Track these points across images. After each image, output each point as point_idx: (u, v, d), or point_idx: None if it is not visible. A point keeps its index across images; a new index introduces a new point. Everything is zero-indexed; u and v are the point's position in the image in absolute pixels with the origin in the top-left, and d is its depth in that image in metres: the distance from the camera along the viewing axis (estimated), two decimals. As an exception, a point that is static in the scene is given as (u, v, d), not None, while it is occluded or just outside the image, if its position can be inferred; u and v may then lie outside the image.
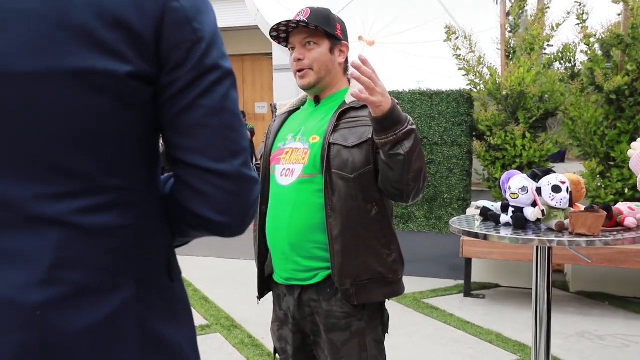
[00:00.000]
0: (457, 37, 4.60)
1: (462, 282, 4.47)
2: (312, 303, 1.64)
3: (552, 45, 4.62)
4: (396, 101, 1.52)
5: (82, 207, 0.75)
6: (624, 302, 4.14)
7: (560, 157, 7.17)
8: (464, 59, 4.58)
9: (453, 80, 4.93)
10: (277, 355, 1.81)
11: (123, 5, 0.74)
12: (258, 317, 3.85)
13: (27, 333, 0.71)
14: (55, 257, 0.73)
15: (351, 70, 1.45)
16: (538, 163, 4.45)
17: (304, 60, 1.63)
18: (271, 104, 1.87)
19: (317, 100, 1.72)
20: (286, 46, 1.69)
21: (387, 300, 1.70)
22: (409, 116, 1.52)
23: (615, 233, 1.78)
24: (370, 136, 1.56)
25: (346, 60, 1.71)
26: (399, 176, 1.51)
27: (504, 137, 4.41)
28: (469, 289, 4.35)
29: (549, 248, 1.94)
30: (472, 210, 4.56)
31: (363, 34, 7.31)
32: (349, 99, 1.63)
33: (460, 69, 4.62)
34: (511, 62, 4.49)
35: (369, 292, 1.61)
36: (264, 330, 3.63)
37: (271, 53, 10.69)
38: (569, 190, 1.82)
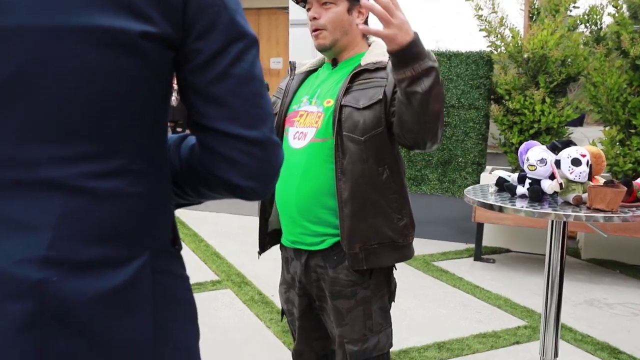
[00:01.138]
0: (480, -4, 4.45)
1: (472, 245, 4.48)
2: (318, 269, 1.65)
3: (578, 7, 4.46)
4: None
5: (93, 171, 0.73)
6: (635, 271, 4.13)
7: (579, 121, 7.03)
8: (485, 19, 4.44)
9: (473, 39, 4.80)
10: (284, 316, 1.84)
11: None
12: (268, 273, 3.89)
13: (31, 301, 0.70)
14: (59, 227, 0.71)
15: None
16: (557, 129, 4.37)
17: (319, 20, 1.58)
18: (290, 62, 1.84)
19: (334, 62, 1.68)
20: (304, 6, 1.64)
21: (395, 268, 1.70)
22: (431, 52, 1.42)
23: (634, 209, 1.75)
24: (381, 97, 1.52)
25: (366, 22, 1.65)
26: (415, 116, 1.43)
27: (522, 102, 4.31)
28: (480, 253, 4.36)
29: (565, 222, 1.92)
30: (487, 175, 4.52)
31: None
32: (364, 61, 1.59)
33: (481, 29, 4.49)
34: (534, 24, 4.35)
35: (379, 257, 1.59)
36: (273, 288, 3.67)
37: (287, 7, 10.46)
38: (589, 163, 1.78)
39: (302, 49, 10.77)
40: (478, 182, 4.67)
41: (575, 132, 4.73)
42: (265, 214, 1.75)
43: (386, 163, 1.57)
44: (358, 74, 1.57)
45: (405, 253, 1.64)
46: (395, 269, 1.71)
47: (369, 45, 1.67)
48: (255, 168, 0.82)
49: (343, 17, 1.59)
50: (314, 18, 1.59)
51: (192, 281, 3.49)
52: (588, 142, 4.38)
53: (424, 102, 1.40)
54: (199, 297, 3.53)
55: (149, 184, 0.80)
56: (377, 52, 1.61)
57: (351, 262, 1.59)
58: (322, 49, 1.64)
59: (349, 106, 1.55)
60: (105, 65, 0.72)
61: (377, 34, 1.38)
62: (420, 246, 4.64)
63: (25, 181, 0.71)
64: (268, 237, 1.79)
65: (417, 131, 1.47)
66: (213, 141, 0.82)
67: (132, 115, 0.76)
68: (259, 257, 1.87)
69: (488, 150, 4.98)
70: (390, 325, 1.69)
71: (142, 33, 0.72)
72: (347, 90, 1.57)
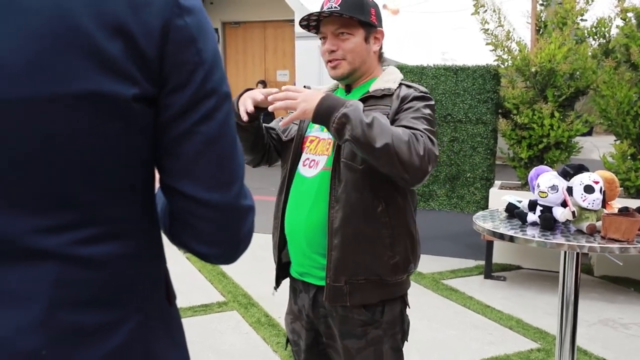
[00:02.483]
0: (486, 10, 4.41)
1: (482, 262, 4.40)
2: (327, 305, 1.59)
3: (586, 20, 4.41)
4: (323, 94, 1.43)
5: (82, 237, 0.71)
6: (650, 289, 4.05)
7: (588, 131, 6.97)
8: (491, 33, 4.40)
9: (479, 52, 4.76)
10: (289, 344, 1.78)
11: (122, 12, 0.68)
12: (276, 294, 3.84)
13: None
14: (52, 295, 0.69)
15: (271, 107, 1.44)
16: (566, 143, 4.30)
17: (337, 51, 1.54)
18: (304, 86, 1.77)
19: (348, 89, 1.64)
20: (316, 33, 1.60)
21: (408, 305, 1.63)
22: (348, 101, 1.40)
23: (651, 238, 1.68)
24: None
25: (381, 47, 1.62)
26: (370, 159, 1.39)
27: (531, 116, 4.26)
28: (490, 271, 4.28)
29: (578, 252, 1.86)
30: (495, 190, 4.45)
31: (388, 1, 7.09)
32: (372, 87, 1.56)
33: (487, 43, 4.44)
34: (542, 37, 4.29)
35: (364, 293, 1.52)
36: (281, 309, 3.62)
37: (293, 20, 10.49)
38: (603, 190, 1.72)
39: (308, 62, 10.79)
40: (487, 197, 4.60)
41: (584, 143, 4.66)
42: (280, 247, 1.69)
43: (382, 196, 1.50)
44: (364, 101, 1.52)
45: (392, 290, 1.56)
46: (409, 307, 1.64)
47: (384, 70, 1.64)
48: (214, 234, 0.79)
49: (361, 47, 1.55)
50: (332, 51, 1.54)
51: (197, 302, 3.44)
52: (598, 153, 4.30)
53: (361, 145, 1.36)
54: (204, 320, 3.48)
55: (139, 245, 0.77)
56: (387, 79, 1.58)
57: (332, 297, 1.52)
58: (339, 79, 1.60)
59: None
60: (94, 131, 0.69)
61: (292, 118, 1.43)
62: (429, 263, 4.57)
63: (15, 252, 0.69)
64: (282, 269, 1.72)
65: (387, 171, 1.41)
66: (173, 201, 0.79)
67: (118, 179, 0.73)
68: (273, 294, 1.80)
69: (497, 162, 4.91)
70: None
71: (134, 96, 0.69)
72: None
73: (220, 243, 0.80)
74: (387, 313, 1.56)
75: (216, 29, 13.38)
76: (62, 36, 0.66)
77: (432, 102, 1.54)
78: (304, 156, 1.62)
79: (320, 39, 1.58)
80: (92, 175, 0.71)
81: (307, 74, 10.78)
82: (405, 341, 1.64)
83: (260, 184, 6.26)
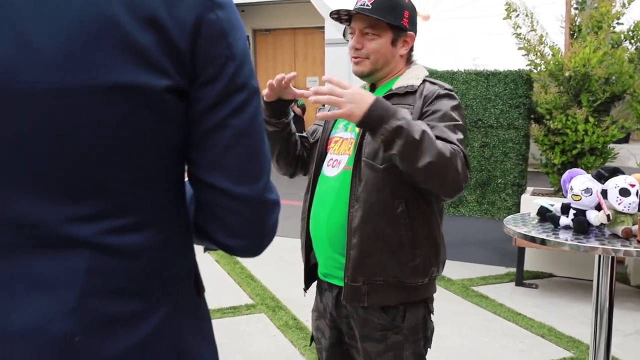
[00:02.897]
0: (518, 15, 4.35)
1: (513, 270, 4.33)
2: (349, 306, 1.58)
3: (622, 23, 4.31)
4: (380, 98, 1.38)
5: (115, 227, 0.72)
6: (689, 299, 3.92)
7: (624, 138, 6.78)
8: (524, 37, 4.34)
9: (511, 57, 4.70)
10: (313, 341, 1.78)
11: (156, 5, 0.70)
12: (303, 297, 3.84)
13: None
14: (85, 283, 0.70)
15: (311, 98, 1.40)
16: (601, 149, 4.20)
17: (361, 50, 1.54)
18: None
19: (372, 87, 1.63)
20: (348, 25, 1.59)
21: (432, 312, 1.60)
22: (400, 111, 1.36)
23: (689, 243, 1.63)
24: None
25: (411, 49, 1.60)
26: (412, 176, 1.38)
27: (564, 121, 4.18)
28: (521, 278, 4.21)
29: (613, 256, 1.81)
30: (527, 197, 4.38)
31: (418, 8, 7.06)
32: (396, 85, 1.54)
33: (520, 48, 4.38)
34: (576, 42, 4.22)
35: (382, 294, 1.50)
36: (308, 312, 3.62)
37: (323, 27, 10.52)
38: (639, 193, 1.68)
39: (338, 68, 10.81)
40: (518, 203, 4.53)
41: (620, 150, 4.54)
42: (308, 248, 1.68)
43: (403, 197, 1.47)
44: (387, 98, 1.49)
45: (412, 294, 1.52)
46: (433, 314, 1.61)
47: (409, 68, 1.61)
48: (240, 226, 0.80)
49: (386, 49, 1.54)
50: (357, 49, 1.54)
51: (226, 304, 3.48)
52: (635, 161, 4.20)
53: (406, 161, 1.34)
54: (232, 322, 3.51)
55: (169, 236, 0.78)
56: (411, 76, 1.55)
57: (350, 297, 1.50)
58: (359, 76, 1.60)
59: None
60: (128, 122, 0.70)
61: (334, 116, 1.38)
62: (459, 270, 4.52)
63: (49, 240, 0.70)
64: (310, 271, 1.72)
65: (424, 187, 1.42)
66: (201, 193, 0.80)
67: (151, 170, 0.75)
68: (305, 295, 1.80)
69: (529, 169, 4.83)
70: None
71: (167, 87, 0.71)
72: None
73: (247, 236, 0.81)
74: (409, 319, 1.54)
75: (247, 37, 13.49)
76: (98, 27, 0.67)
77: (458, 101, 1.51)
78: (328, 157, 1.62)
79: (350, 33, 1.58)
80: (126, 165, 0.72)
81: (337, 80, 10.79)
82: (429, 348, 1.61)
83: (289, 190, 6.31)
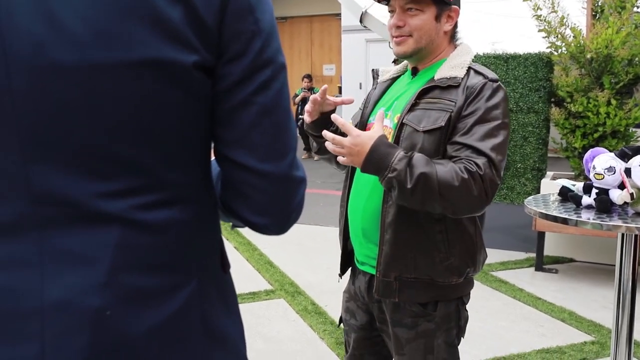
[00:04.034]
0: (538, -4, 4.28)
1: (533, 255, 4.30)
2: None
3: (646, 3, 4.21)
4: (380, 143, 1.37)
5: (144, 203, 0.73)
6: None
7: (647, 123, 6.66)
8: (544, 19, 4.26)
9: (531, 40, 4.62)
10: (341, 324, 1.76)
11: None
12: (322, 283, 3.86)
13: (89, 336, 0.70)
14: (115, 258, 0.71)
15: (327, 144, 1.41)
16: (624, 132, 4.13)
17: (404, 27, 1.45)
18: (372, 69, 1.73)
19: (414, 71, 1.55)
20: (387, 4, 1.51)
21: (466, 300, 1.56)
22: (394, 158, 1.34)
23: None
24: (443, 124, 1.40)
25: (455, 26, 1.52)
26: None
27: (585, 104, 4.11)
28: (541, 263, 4.17)
29: (637, 235, 1.78)
30: (547, 181, 4.33)
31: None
32: (438, 75, 1.45)
33: (540, 30, 4.31)
34: (598, 23, 4.14)
35: (414, 291, 1.48)
36: (327, 297, 3.65)
37: (340, 14, 10.47)
38: (663, 171, 1.65)
39: (355, 55, 10.75)
40: (538, 188, 4.48)
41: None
42: (346, 234, 1.66)
43: None
44: (428, 90, 1.45)
45: (445, 293, 1.49)
46: (466, 306, 1.57)
47: (455, 49, 1.52)
48: (266, 204, 0.80)
49: (430, 25, 1.45)
50: (398, 26, 1.46)
51: (245, 290, 3.51)
52: (658, 145, 4.12)
53: (405, 203, 1.38)
54: (252, 307, 3.54)
55: (196, 212, 0.78)
56: (455, 64, 1.46)
57: (382, 291, 1.49)
58: (402, 57, 1.51)
59: (409, 125, 1.44)
60: (157, 98, 0.70)
61: (333, 151, 1.40)
62: (478, 255, 4.49)
63: (80, 215, 0.71)
64: (347, 257, 1.69)
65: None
66: (227, 171, 0.80)
67: (179, 146, 0.75)
68: (339, 280, 1.78)
69: (549, 155, 4.77)
70: None
71: (194, 63, 0.70)
72: (412, 107, 1.45)
73: (273, 213, 0.81)
74: (441, 309, 1.51)
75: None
76: (127, 3, 0.67)
77: (503, 94, 1.43)
78: None
79: (390, 12, 1.50)
80: (155, 141, 0.72)
81: (354, 68, 10.75)
82: (462, 337, 1.58)
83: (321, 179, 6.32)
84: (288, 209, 0.81)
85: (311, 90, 9.75)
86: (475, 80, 1.43)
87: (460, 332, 1.56)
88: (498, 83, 1.44)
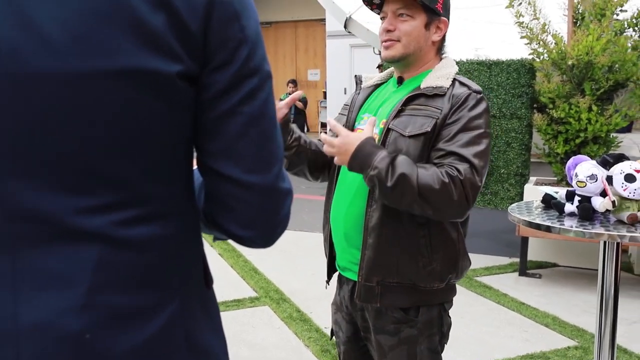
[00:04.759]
0: (520, 3, 4.32)
1: (517, 260, 4.32)
2: None
3: (626, 11, 4.27)
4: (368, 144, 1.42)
5: (125, 218, 0.70)
6: (694, 288, 3.91)
7: (627, 128, 6.74)
8: (527, 26, 4.31)
9: (514, 47, 4.67)
10: (333, 335, 1.75)
11: None
12: (307, 290, 3.85)
13: (70, 355, 0.67)
14: (95, 277, 0.68)
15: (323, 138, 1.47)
16: (604, 137, 4.18)
17: (394, 32, 1.49)
18: (355, 75, 1.75)
19: (400, 80, 1.58)
20: (378, 13, 1.55)
21: (447, 308, 1.56)
22: (376, 157, 1.39)
23: (695, 228, 1.62)
24: (429, 129, 1.43)
25: (443, 39, 1.56)
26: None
27: (567, 110, 4.15)
28: (525, 268, 4.20)
29: (619, 243, 1.80)
30: (531, 187, 4.36)
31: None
32: (424, 84, 1.49)
33: (522, 37, 4.36)
34: (579, 30, 4.19)
35: (396, 296, 1.49)
36: (312, 304, 3.63)
37: (324, 19, 10.49)
38: (644, 179, 1.67)
39: (339, 60, 10.78)
40: (521, 193, 4.52)
41: (624, 139, 4.52)
42: (330, 240, 1.65)
43: None
44: (414, 98, 1.48)
45: (427, 298, 1.50)
46: (449, 309, 1.57)
47: (440, 61, 1.56)
48: (252, 216, 0.77)
49: (419, 32, 1.49)
50: (388, 30, 1.49)
51: (230, 297, 3.47)
52: (638, 149, 4.18)
53: (386, 202, 1.43)
54: (237, 314, 3.51)
55: (179, 226, 0.76)
56: (440, 75, 1.50)
57: (363, 295, 1.50)
58: (389, 61, 1.54)
59: (395, 130, 1.47)
60: (138, 109, 0.68)
61: (326, 151, 1.47)
62: (462, 260, 4.51)
63: (57, 232, 0.68)
64: (332, 263, 1.68)
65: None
66: (211, 183, 0.77)
67: (162, 159, 0.73)
68: (326, 287, 1.78)
69: (531, 160, 4.82)
70: None
71: (178, 73, 0.68)
72: (398, 113, 1.48)
73: (259, 226, 0.78)
74: (423, 314, 1.51)
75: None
76: (107, 9, 0.65)
77: (485, 105, 1.47)
78: None
79: (381, 18, 1.53)
80: (137, 154, 0.70)
81: (338, 73, 10.77)
82: (445, 344, 1.58)
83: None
84: (274, 222, 0.79)
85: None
86: (460, 91, 1.46)
87: (443, 338, 1.57)
88: (481, 95, 1.48)
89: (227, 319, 3.42)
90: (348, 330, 1.66)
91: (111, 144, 0.68)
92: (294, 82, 10.15)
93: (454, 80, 1.49)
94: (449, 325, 1.58)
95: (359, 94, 1.67)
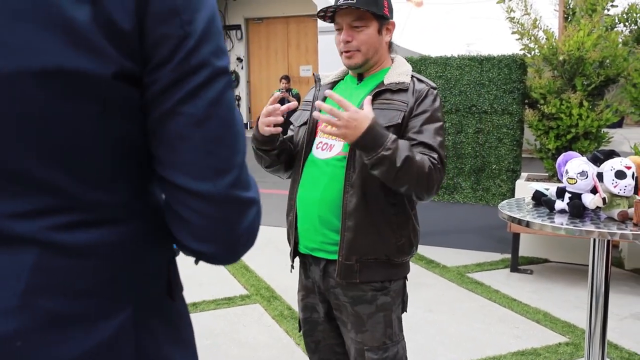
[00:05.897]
0: (512, -1, 4.31)
1: (508, 256, 4.32)
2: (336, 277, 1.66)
3: (617, 6, 4.27)
4: (374, 123, 1.49)
5: (61, 223, 0.66)
6: (684, 283, 3.92)
7: (618, 123, 6.77)
8: (517, 21, 4.29)
9: (505, 41, 4.66)
10: (302, 327, 1.83)
11: None
12: (298, 287, 3.82)
13: None
14: (31, 280, 0.65)
15: (315, 113, 1.53)
16: (595, 133, 4.18)
17: (352, 43, 1.62)
18: (314, 74, 1.89)
19: (359, 77, 1.72)
20: (331, 22, 1.68)
21: (407, 279, 1.73)
22: (389, 139, 1.49)
23: (685, 225, 1.61)
24: (400, 121, 1.57)
25: (391, 37, 1.72)
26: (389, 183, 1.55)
27: (558, 106, 4.15)
28: (516, 264, 4.20)
29: (609, 240, 1.79)
30: (522, 183, 4.36)
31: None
32: (387, 80, 1.64)
33: (513, 32, 4.34)
34: (570, 25, 4.18)
35: (372, 271, 1.63)
36: (304, 302, 3.61)
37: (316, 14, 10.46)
38: (635, 176, 1.65)
39: (331, 56, 10.74)
40: (513, 189, 4.51)
41: (614, 135, 4.53)
42: (295, 226, 1.74)
43: None
44: (380, 93, 1.62)
45: (397, 271, 1.67)
46: (407, 280, 1.74)
47: (392, 60, 1.71)
48: (207, 229, 0.71)
49: (375, 39, 1.63)
50: (347, 42, 1.61)
51: (221, 295, 3.46)
52: (629, 145, 4.18)
53: (385, 181, 1.53)
54: (227, 312, 3.49)
55: (130, 233, 0.72)
56: (400, 72, 1.66)
57: (344, 273, 1.61)
58: (353, 68, 1.68)
59: None
60: (69, 112, 0.64)
61: (331, 133, 1.50)
62: (454, 257, 4.51)
63: None
64: (297, 248, 1.78)
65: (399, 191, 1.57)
66: (164, 191, 0.72)
67: (101, 164, 0.68)
68: (291, 271, 1.87)
69: (523, 155, 4.81)
70: (403, 338, 1.72)
71: (114, 74, 0.64)
72: None
73: (216, 240, 0.72)
74: (394, 284, 1.68)
75: (239, 26, 13.42)
76: (25, 6, 0.61)
77: (440, 100, 1.65)
78: (317, 139, 1.70)
79: (336, 29, 1.65)
80: (70, 159, 0.66)
81: (330, 69, 10.73)
82: (405, 312, 1.76)
83: (279, 179, 6.27)
84: (234, 235, 0.73)
85: (289, 91, 9.70)
86: (421, 86, 1.64)
87: (404, 306, 1.76)
88: (437, 90, 1.68)
89: (218, 317, 3.40)
90: (323, 309, 1.75)
91: (40, 148, 0.65)
92: (287, 78, 10.09)
93: (412, 76, 1.66)
94: (407, 296, 1.76)
95: (319, 90, 1.77)
